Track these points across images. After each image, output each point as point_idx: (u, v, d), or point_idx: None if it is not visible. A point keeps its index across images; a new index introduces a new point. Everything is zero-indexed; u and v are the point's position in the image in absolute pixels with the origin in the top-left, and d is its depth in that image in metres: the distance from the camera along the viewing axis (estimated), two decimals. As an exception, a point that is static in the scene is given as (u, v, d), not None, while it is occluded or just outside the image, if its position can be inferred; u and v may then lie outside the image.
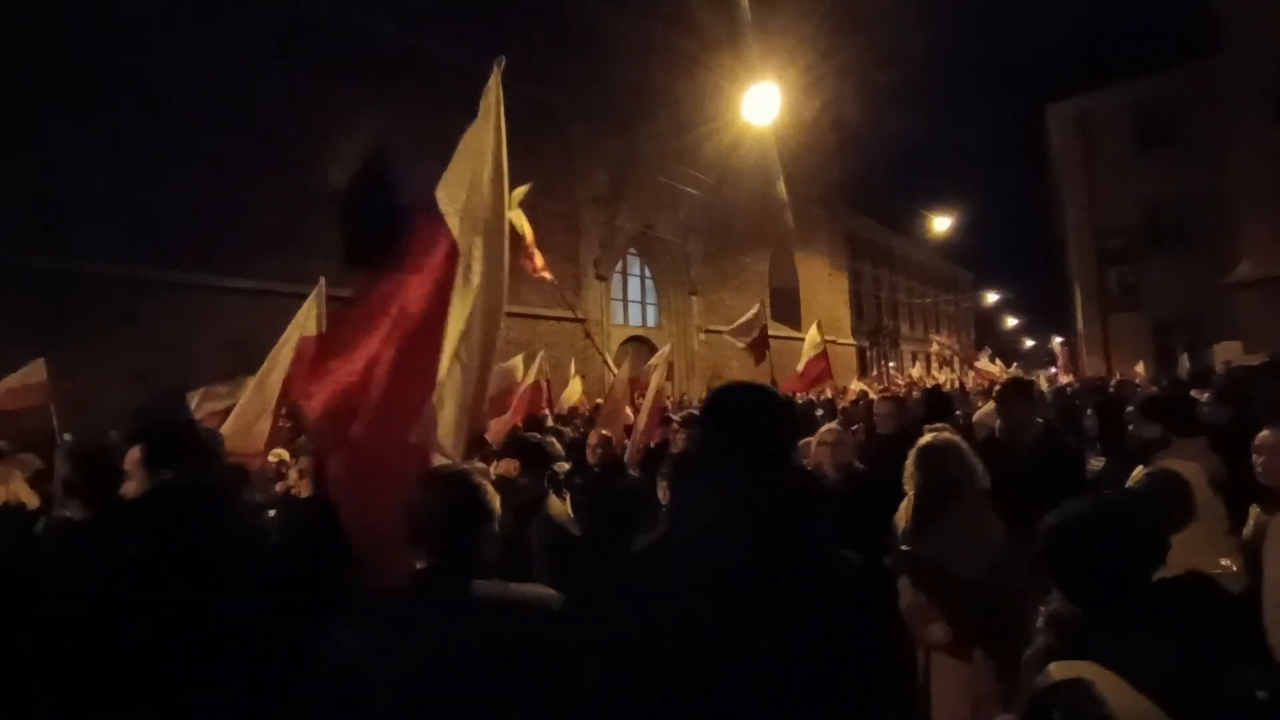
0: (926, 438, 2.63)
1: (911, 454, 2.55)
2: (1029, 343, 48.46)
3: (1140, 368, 14.86)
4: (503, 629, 1.29)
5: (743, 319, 9.56)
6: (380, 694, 1.21)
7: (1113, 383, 11.22)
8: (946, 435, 2.66)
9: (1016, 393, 3.65)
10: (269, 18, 10.38)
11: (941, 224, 31.03)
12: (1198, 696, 1.05)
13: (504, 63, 2.48)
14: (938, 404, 4.19)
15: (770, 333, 9.51)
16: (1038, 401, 4.70)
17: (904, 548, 2.50)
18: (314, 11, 10.93)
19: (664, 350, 5.80)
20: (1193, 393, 5.66)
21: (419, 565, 1.36)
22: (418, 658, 1.23)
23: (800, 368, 9.84)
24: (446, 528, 1.37)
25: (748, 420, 1.24)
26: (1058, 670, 1.13)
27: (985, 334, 43.46)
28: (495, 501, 1.45)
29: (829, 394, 10.31)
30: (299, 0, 10.74)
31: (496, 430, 5.51)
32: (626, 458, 4.50)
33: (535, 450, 2.93)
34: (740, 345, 9.56)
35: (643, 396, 5.65)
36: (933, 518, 2.43)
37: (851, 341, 28.45)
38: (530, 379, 6.36)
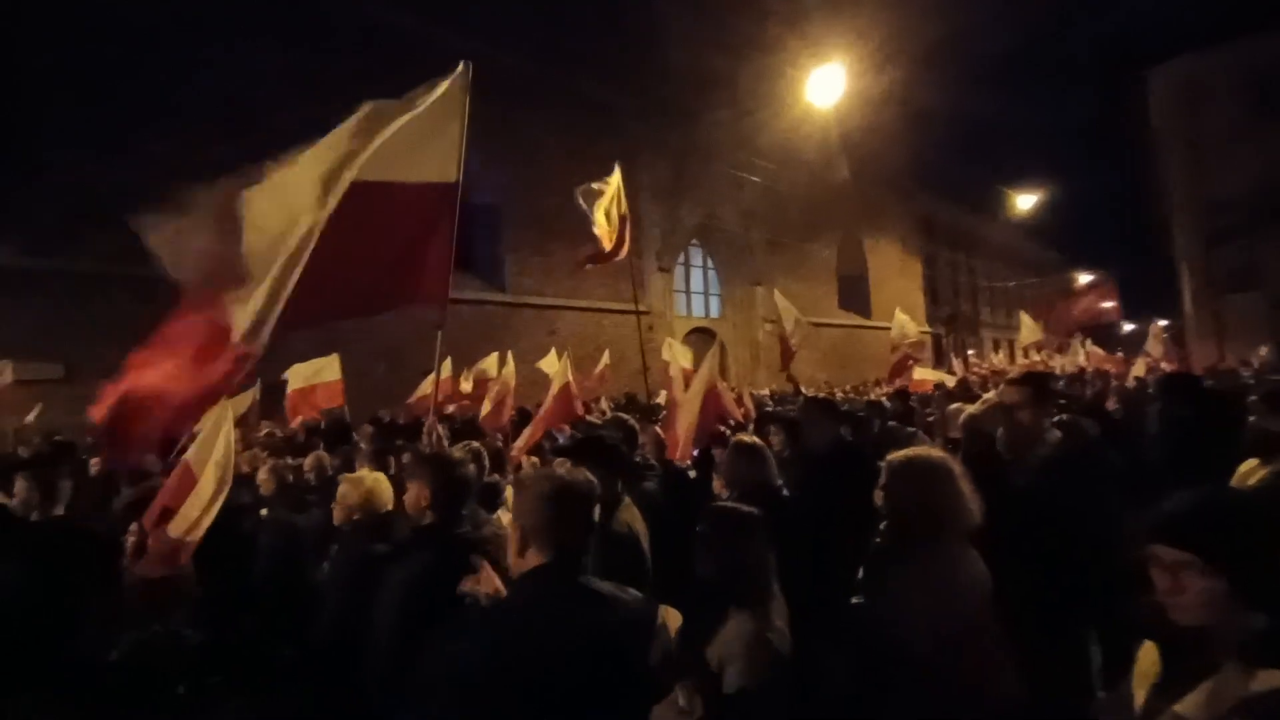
0: (902, 453, 2.01)
1: (882, 474, 2.00)
2: (1127, 327, 44.81)
3: (1264, 352, 13.46)
4: (617, 626, 1.39)
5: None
6: (502, 691, 1.29)
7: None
8: (930, 451, 2.05)
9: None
10: (290, 17, 10.62)
11: (1026, 203, 29.14)
12: None
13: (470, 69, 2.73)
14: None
15: (837, 321, 9.18)
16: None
17: (855, 599, 1.95)
18: (348, 12, 11.19)
19: (704, 368, 5.28)
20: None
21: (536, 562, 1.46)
22: (541, 649, 1.31)
23: (897, 359, 9.44)
24: (567, 525, 1.48)
25: None
26: (1267, 679, 1.06)
27: (1076, 319, 40.53)
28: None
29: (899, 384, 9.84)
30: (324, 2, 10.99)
31: (526, 439, 5.01)
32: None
33: (610, 452, 2.66)
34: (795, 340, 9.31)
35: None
36: (899, 560, 1.86)
37: (927, 329, 27.24)
38: (568, 378, 5.80)
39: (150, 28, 9.12)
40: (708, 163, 18.01)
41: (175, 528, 2.71)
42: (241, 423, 6.52)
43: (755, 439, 3.14)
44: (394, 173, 2.54)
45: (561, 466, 1.84)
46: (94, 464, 4.35)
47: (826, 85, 16.20)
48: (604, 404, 8.23)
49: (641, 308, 16.77)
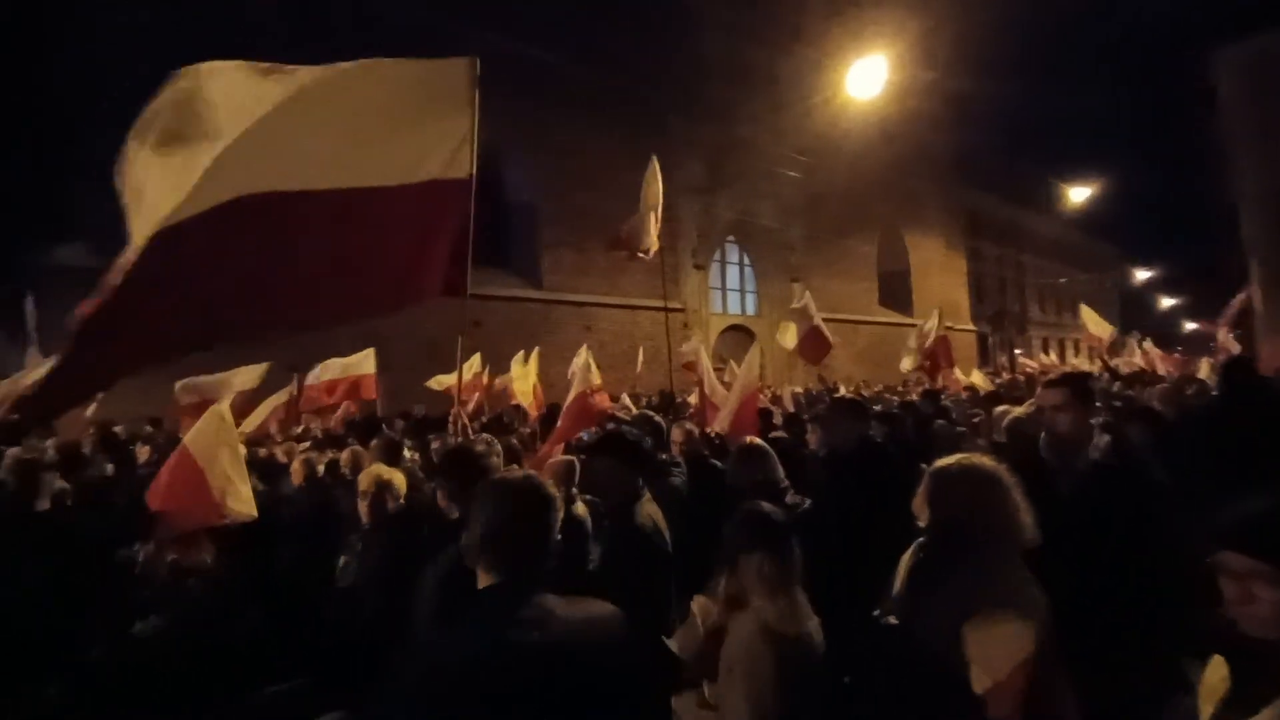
0: (953, 459, 1.85)
1: (925, 480, 1.84)
2: (1189, 326, 42.59)
3: None
4: (579, 647, 1.21)
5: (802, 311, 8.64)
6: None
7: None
8: (984, 459, 1.88)
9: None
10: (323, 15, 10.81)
11: (1079, 195, 27.88)
12: None
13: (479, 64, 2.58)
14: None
15: (878, 319, 8.94)
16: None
17: (889, 619, 1.79)
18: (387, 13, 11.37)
19: (750, 363, 5.12)
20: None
21: (490, 579, 1.26)
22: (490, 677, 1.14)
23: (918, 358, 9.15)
24: (517, 539, 1.27)
25: None
26: None
27: (1134, 316, 38.71)
28: (559, 511, 1.38)
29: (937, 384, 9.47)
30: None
31: (549, 447, 4.57)
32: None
33: (631, 447, 2.60)
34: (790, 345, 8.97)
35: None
36: (940, 577, 1.69)
37: (971, 328, 26.37)
38: (594, 381, 5.31)
39: (159, 27, 9.16)
40: (744, 158, 17.80)
41: (231, 498, 2.78)
42: (274, 417, 6.71)
43: (759, 441, 3.21)
44: (395, 177, 2.50)
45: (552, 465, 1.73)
46: (141, 452, 4.50)
47: (867, 77, 15.79)
48: (626, 400, 8.13)
49: (676, 305, 16.72)
